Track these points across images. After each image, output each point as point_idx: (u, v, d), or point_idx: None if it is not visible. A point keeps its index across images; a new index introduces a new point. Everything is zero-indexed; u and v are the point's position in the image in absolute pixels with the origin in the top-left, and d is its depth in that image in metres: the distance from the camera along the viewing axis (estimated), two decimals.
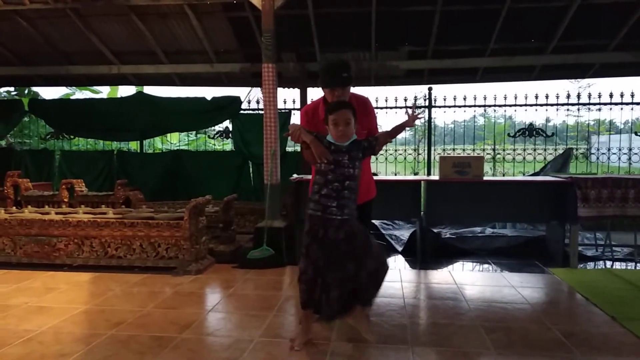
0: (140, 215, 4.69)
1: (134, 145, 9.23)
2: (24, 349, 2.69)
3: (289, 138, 2.81)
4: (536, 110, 6.70)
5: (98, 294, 3.73)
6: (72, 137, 8.11)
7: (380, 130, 3.05)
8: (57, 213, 4.94)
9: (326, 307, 2.65)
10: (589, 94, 6.60)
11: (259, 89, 7.11)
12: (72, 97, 11.04)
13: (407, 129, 2.94)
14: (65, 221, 4.59)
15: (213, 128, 7.71)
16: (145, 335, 2.88)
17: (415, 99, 6.83)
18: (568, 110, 7.05)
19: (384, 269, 2.78)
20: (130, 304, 3.46)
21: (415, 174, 7.34)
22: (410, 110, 2.82)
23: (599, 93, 6.56)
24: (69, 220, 4.59)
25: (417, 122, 2.92)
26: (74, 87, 11.41)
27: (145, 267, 4.43)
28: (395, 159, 7.33)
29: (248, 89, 7.98)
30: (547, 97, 6.65)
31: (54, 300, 3.57)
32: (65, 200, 6.07)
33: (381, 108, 6.95)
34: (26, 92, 10.25)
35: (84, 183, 6.40)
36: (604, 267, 4.93)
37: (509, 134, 7.13)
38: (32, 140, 9.38)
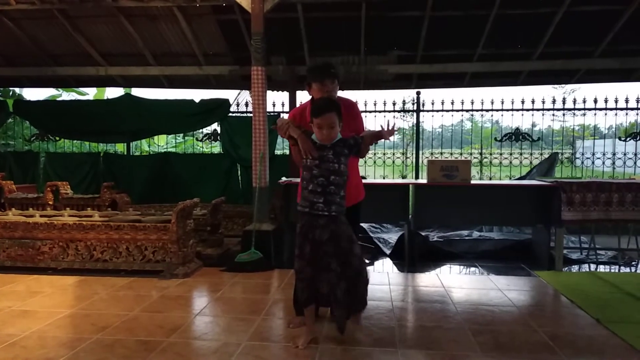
0: (126, 218, 4.65)
1: (120, 148, 9.14)
2: (7, 354, 2.64)
3: (279, 139, 2.84)
4: (522, 115, 6.78)
5: (83, 297, 3.68)
6: (57, 138, 8.01)
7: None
8: (41, 216, 4.88)
9: (321, 298, 2.74)
10: (574, 99, 6.72)
11: (247, 91, 7.11)
12: (58, 99, 10.92)
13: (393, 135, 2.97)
14: (50, 224, 4.52)
15: (201, 130, 7.68)
16: (131, 340, 2.85)
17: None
18: (553, 115, 7.17)
19: (363, 280, 2.74)
20: (116, 308, 3.42)
21: (404, 177, 7.38)
22: (389, 125, 2.83)
23: (584, 98, 6.67)
24: (54, 223, 4.53)
25: (394, 136, 2.96)
26: (61, 89, 11.29)
27: (131, 270, 4.39)
28: (384, 162, 7.37)
29: (237, 91, 7.97)
30: (533, 102, 6.74)
31: (38, 304, 3.52)
32: (50, 202, 5.98)
33: (370, 112, 6.98)
34: (10, 93, 10.10)
35: (69, 185, 6.32)
36: (588, 270, 5.00)
37: (495, 139, 7.20)
38: (17, 141, 9.24)
